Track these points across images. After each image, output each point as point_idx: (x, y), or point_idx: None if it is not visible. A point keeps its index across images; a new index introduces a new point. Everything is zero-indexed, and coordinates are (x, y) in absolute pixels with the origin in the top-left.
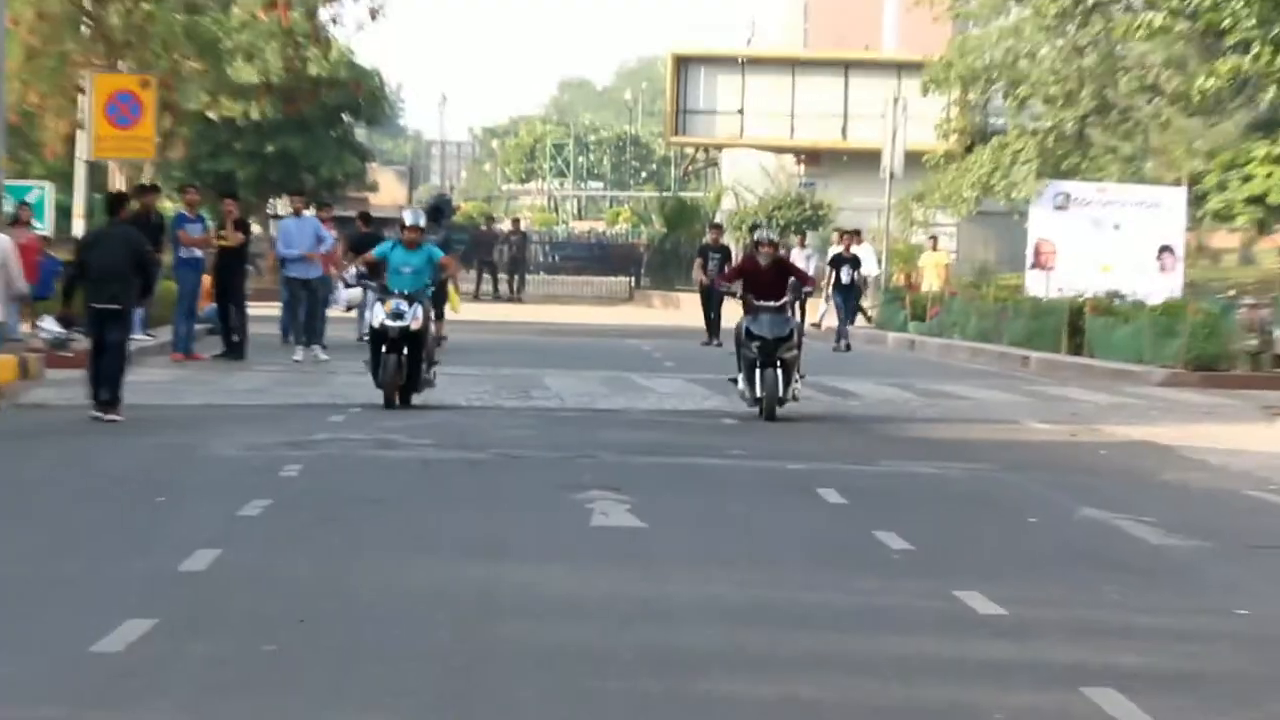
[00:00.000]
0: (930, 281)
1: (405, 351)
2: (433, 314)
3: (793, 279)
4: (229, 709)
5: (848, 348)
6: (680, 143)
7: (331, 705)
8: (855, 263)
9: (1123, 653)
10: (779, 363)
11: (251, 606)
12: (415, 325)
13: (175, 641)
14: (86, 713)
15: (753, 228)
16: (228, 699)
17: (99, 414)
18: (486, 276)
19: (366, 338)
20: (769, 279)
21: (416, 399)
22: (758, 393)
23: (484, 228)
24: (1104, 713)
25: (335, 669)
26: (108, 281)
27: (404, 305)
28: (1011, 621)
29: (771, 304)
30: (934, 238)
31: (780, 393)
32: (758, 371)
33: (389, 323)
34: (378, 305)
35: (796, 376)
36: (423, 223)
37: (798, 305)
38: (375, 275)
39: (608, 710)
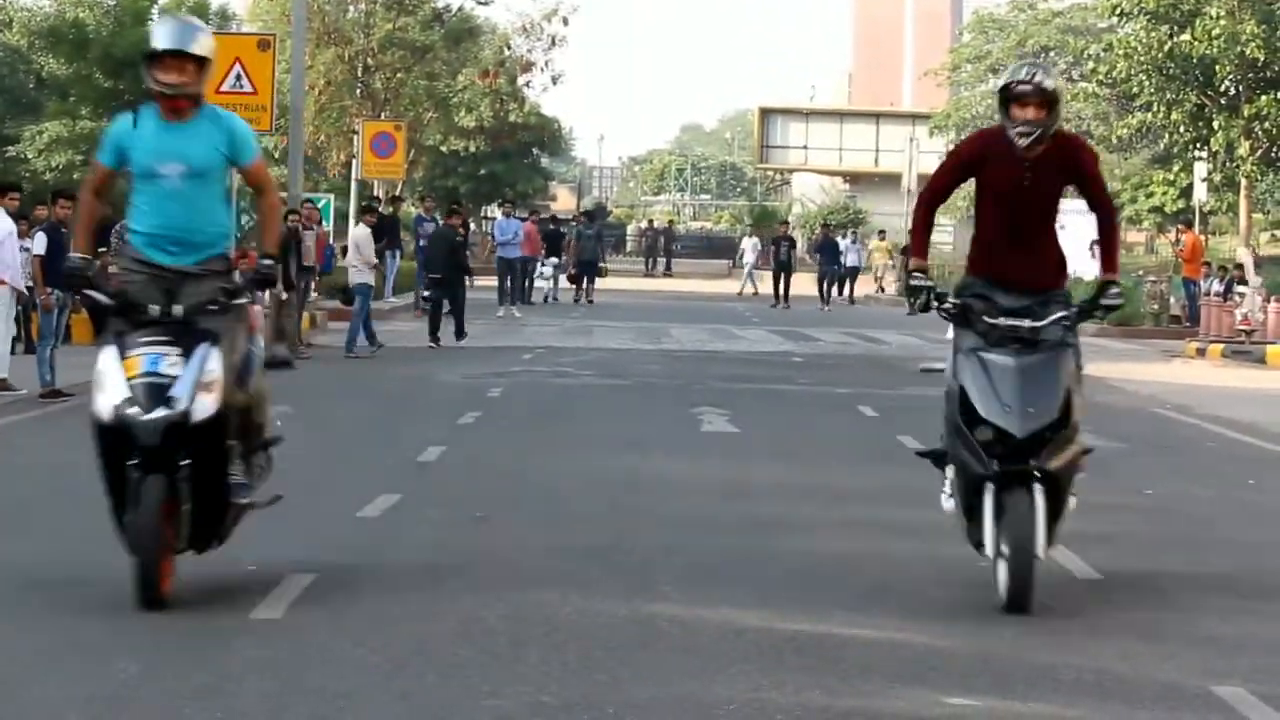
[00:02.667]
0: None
1: (181, 464)
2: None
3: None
4: (453, 556)
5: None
6: (763, 168)
7: (526, 551)
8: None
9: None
10: (1039, 476)
11: (467, 486)
12: (205, 410)
13: (415, 510)
14: (353, 559)
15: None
16: (452, 549)
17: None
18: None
19: (550, 295)
20: (1033, 205)
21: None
22: (997, 544)
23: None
24: (1057, 563)
25: (526, 528)
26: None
27: (167, 358)
28: None
29: (1025, 323)
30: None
31: (1042, 540)
32: (988, 495)
33: (131, 415)
34: (107, 352)
35: (1069, 498)
36: (193, 49)
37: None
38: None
39: (707, 558)
